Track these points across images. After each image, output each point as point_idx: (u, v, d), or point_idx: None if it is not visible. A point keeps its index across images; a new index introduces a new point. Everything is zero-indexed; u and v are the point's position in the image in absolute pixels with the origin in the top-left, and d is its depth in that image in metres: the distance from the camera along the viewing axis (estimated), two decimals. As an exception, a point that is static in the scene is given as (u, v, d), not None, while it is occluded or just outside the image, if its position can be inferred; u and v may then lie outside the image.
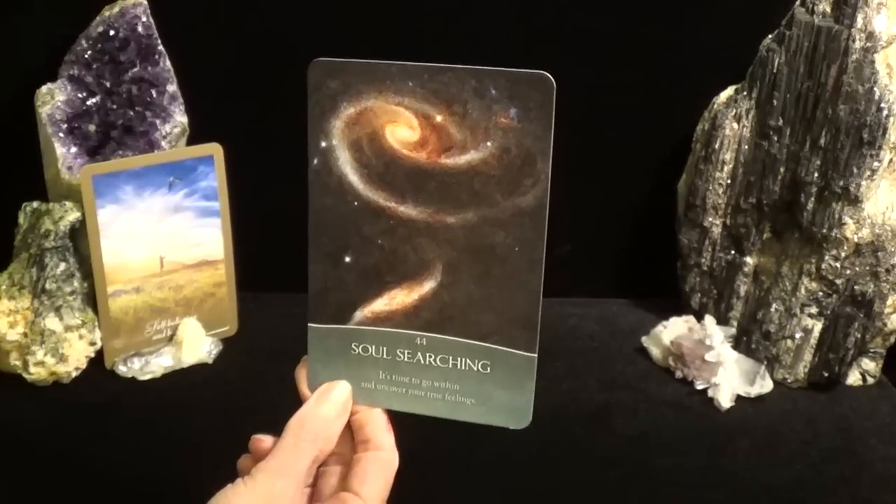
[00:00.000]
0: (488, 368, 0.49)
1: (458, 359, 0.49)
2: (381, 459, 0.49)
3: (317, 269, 0.50)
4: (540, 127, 0.46)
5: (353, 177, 0.48)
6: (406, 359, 0.50)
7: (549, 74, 0.46)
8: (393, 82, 0.47)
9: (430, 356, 0.50)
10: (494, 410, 0.50)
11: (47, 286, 0.78)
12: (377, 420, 0.50)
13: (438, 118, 0.47)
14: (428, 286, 0.49)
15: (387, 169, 0.48)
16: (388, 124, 0.47)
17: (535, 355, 0.49)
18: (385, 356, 0.50)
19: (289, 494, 0.47)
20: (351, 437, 0.51)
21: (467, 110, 0.46)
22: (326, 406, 0.50)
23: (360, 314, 0.50)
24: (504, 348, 0.49)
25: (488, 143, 0.47)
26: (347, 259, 0.49)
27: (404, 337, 0.50)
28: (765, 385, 0.81)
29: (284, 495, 0.47)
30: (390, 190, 0.48)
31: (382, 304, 0.50)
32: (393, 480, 0.50)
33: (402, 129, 0.47)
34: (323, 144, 0.48)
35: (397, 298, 0.49)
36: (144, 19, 0.83)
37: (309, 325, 0.51)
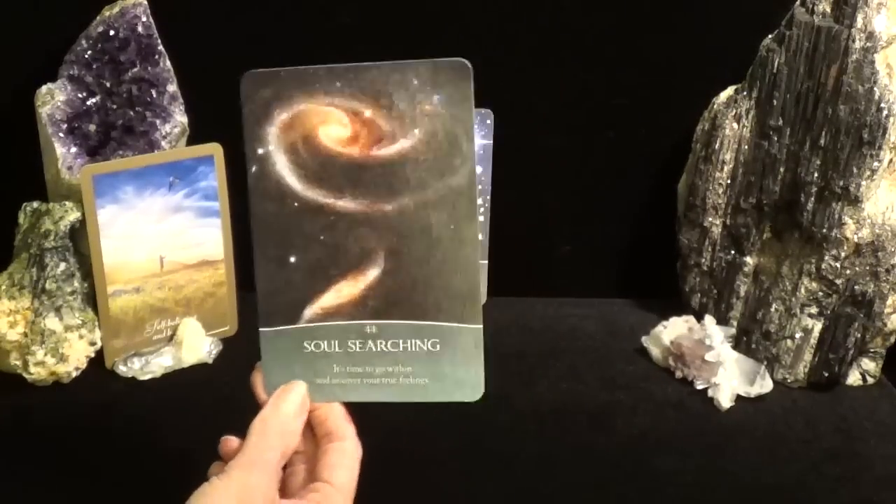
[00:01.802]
0: (438, 346, 0.51)
1: (408, 341, 0.51)
2: (346, 449, 0.51)
3: (263, 273, 0.52)
4: (462, 109, 0.49)
5: (291, 178, 0.50)
6: (358, 349, 0.51)
7: (465, 60, 0.48)
8: (322, 84, 0.49)
9: (380, 343, 0.51)
10: (448, 387, 0.51)
11: (47, 286, 0.78)
12: (336, 413, 0.52)
13: (367, 113, 0.49)
14: (372, 274, 0.50)
15: (323, 167, 0.50)
16: (321, 125, 0.50)
17: (481, 326, 0.50)
18: (337, 349, 0.52)
19: (263, 487, 0.48)
20: (312, 434, 0.52)
21: (393, 102, 0.49)
22: (285, 405, 0.51)
23: (309, 311, 0.51)
24: (451, 324, 0.50)
25: (416, 131, 0.49)
26: (292, 259, 0.51)
27: (354, 328, 0.51)
28: (765, 385, 0.81)
29: (259, 487, 0.48)
30: (328, 187, 0.50)
31: (331, 298, 0.51)
32: (358, 469, 0.51)
33: (334, 128, 0.50)
34: (260, 151, 0.50)
35: (344, 290, 0.51)
36: (144, 19, 0.83)
37: (260, 329, 0.52)
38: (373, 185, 0.49)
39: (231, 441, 0.51)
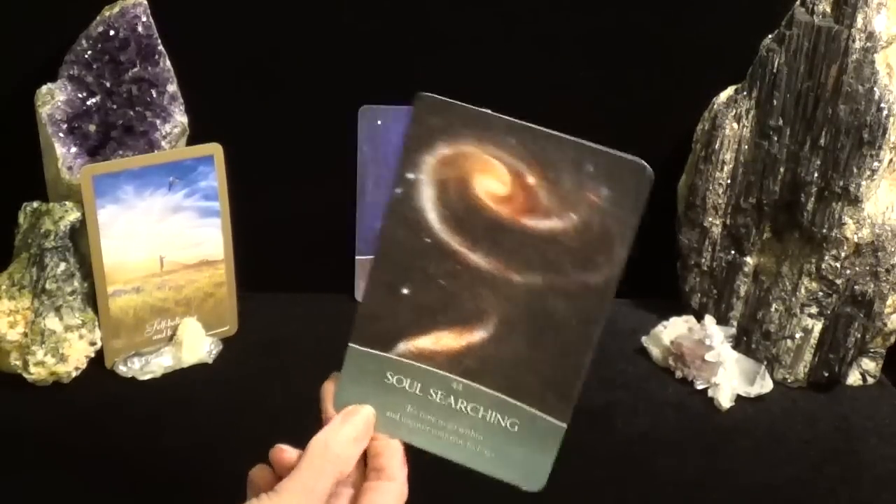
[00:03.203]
0: (516, 427, 0.49)
1: (489, 411, 0.50)
2: (393, 491, 0.49)
3: (372, 293, 0.50)
4: (627, 212, 0.46)
5: (432, 214, 0.48)
6: (438, 399, 0.50)
7: (648, 165, 0.46)
8: (494, 134, 0.47)
9: (462, 402, 0.50)
10: (511, 467, 0.50)
11: (47, 286, 0.78)
12: (394, 451, 0.50)
13: (530, 179, 0.47)
14: (478, 335, 0.49)
15: (468, 215, 0.48)
16: (480, 173, 0.47)
17: (565, 425, 0.49)
18: (418, 392, 0.50)
19: None
20: (364, 464, 0.51)
21: (560, 179, 0.46)
22: (350, 428, 0.49)
23: (403, 346, 0.50)
24: (536, 411, 0.49)
25: (572, 215, 0.47)
26: (405, 291, 0.49)
27: (441, 378, 0.50)
28: (765, 385, 0.81)
29: None
30: (465, 235, 0.48)
31: (429, 341, 0.50)
32: None
33: (492, 181, 0.47)
34: (410, 176, 0.48)
35: (444, 340, 0.49)
36: (144, 19, 0.83)
37: (349, 344, 0.51)
38: (510, 252, 0.48)
39: (285, 452, 0.49)
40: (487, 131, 0.47)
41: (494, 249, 0.48)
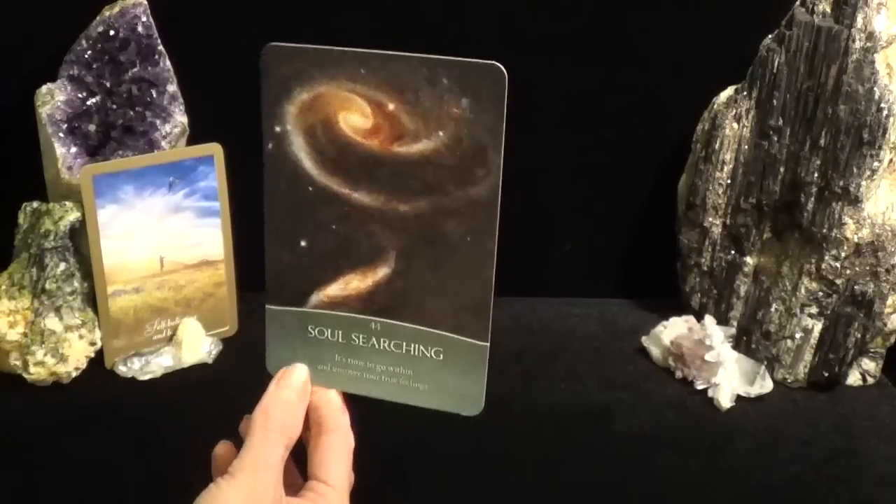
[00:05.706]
0: (441, 355, 0.50)
1: (412, 345, 0.50)
2: (338, 441, 0.50)
3: (273, 252, 0.51)
4: (491, 118, 0.46)
5: (308, 162, 0.49)
6: (361, 343, 0.51)
7: (500, 65, 0.45)
8: (345, 69, 0.47)
9: (384, 341, 0.50)
10: (447, 397, 0.51)
11: (47, 286, 0.78)
12: (332, 401, 0.51)
13: (391, 106, 0.47)
14: (382, 272, 0.49)
15: (340, 155, 0.48)
16: (341, 111, 0.48)
17: (487, 344, 0.49)
18: (340, 340, 0.51)
19: (271, 487, 0.47)
20: (306, 420, 0.51)
21: (419, 99, 0.46)
22: (287, 391, 0.50)
23: (316, 298, 0.51)
24: (456, 336, 0.49)
25: (440, 133, 0.47)
26: (303, 243, 0.50)
27: (359, 321, 0.50)
28: (765, 385, 0.81)
29: (267, 489, 0.47)
30: (344, 176, 0.48)
31: (338, 288, 0.50)
32: (352, 459, 0.50)
33: (354, 117, 0.47)
34: (277, 129, 0.49)
35: (352, 283, 0.50)
36: (144, 19, 0.83)
37: (267, 306, 0.52)
38: (389, 182, 0.47)
39: (224, 446, 0.51)
40: (338, 67, 0.47)
41: (375, 184, 0.48)
